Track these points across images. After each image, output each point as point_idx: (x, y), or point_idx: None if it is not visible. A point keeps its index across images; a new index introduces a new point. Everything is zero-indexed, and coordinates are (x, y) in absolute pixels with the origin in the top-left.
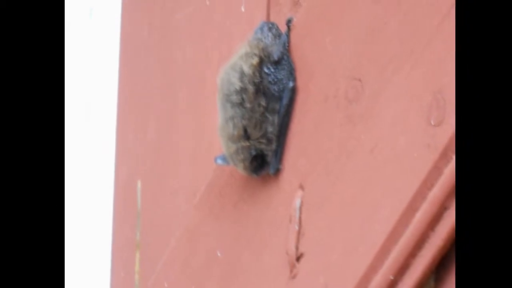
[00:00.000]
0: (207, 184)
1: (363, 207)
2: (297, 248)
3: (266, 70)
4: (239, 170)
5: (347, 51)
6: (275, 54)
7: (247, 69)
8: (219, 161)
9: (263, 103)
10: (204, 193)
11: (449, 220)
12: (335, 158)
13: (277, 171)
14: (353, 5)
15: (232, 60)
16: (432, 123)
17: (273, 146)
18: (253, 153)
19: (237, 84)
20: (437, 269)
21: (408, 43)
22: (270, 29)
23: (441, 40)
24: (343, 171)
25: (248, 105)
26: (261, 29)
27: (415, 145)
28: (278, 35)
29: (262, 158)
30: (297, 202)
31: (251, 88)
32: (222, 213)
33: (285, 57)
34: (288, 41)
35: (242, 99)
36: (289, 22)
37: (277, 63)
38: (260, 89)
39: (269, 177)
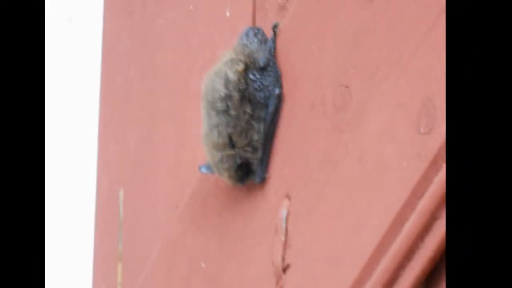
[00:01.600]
0: (191, 194)
1: (350, 217)
2: (283, 259)
3: (251, 76)
4: (224, 179)
5: (334, 57)
6: (261, 60)
7: (232, 76)
8: (204, 170)
9: (248, 110)
10: (187, 203)
11: (439, 230)
12: (322, 167)
13: (263, 180)
14: (340, 11)
15: (217, 66)
16: (422, 131)
17: (259, 154)
18: (238, 161)
19: (222, 91)
20: (427, 280)
21: (396, 50)
22: (255, 34)
23: (430, 46)
24: (330, 180)
25: (233, 112)
26: (247, 34)
27: (404, 154)
28: (264, 40)
29: (247, 166)
30: (283, 212)
31: (236, 95)
32: (205, 223)
33: (271, 63)
34: (274, 47)
35: (227, 106)
36: (275, 27)
37: (263, 69)
38: (246, 96)
39: (254, 186)
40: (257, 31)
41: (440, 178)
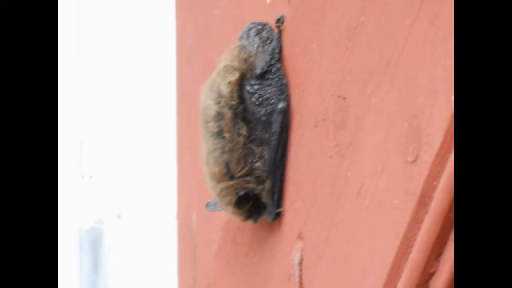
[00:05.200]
0: (223, 229)
1: (352, 265)
2: None
3: (248, 88)
4: (232, 218)
5: (332, 60)
6: (259, 66)
7: (224, 89)
8: (210, 207)
9: (243, 131)
10: (221, 240)
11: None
12: (328, 201)
13: (276, 217)
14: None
15: (212, 76)
16: (409, 159)
17: (266, 185)
18: (241, 192)
19: (213, 108)
20: None
21: (384, 52)
22: (258, 32)
23: (414, 46)
24: (335, 219)
25: (226, 134)
26: (247, 33)
27: (394, 187)
28: (268, 39)
29: (255, 198)
30: (296, 258)
31: (227, 112)
32: (236, 264)
33: (273, 69)
34: (279, 47)
35: (220, 127)
36: (278, 22)
37: (262, 77)
38: (239, 114)
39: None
40: (261, 28)
41: (430, 217)
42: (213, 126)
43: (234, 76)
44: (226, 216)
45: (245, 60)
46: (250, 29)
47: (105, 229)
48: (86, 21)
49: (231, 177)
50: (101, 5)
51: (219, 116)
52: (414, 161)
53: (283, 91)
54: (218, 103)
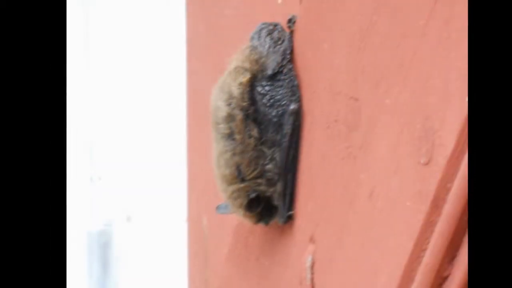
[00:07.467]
0: (234, 231)
1: (365, 268)
2: None
3: (259, 89)
4: (243, 220)
5: (343, 61)
6: (270, 67)
7: (235, 90)
8: (221, 210)
9: (254, 133)
10: (232, 243)
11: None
12: (340, 203)
13: (287, 220)
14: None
15: (223, 76)
16: (422, 161)
17: (278, 187)
18: (252, 195)
19: (224, 110)
20: None
21: (397, 53)
22: (269, 33)
23: (427, 47)
24: (347, 221)
25: (237, 136)
26: (258, 33)
27: (407, 189)
28: (280, 40)
29: (267, 201)
30: (307, 261)
31: (238, 114)
32: (247, 267)
33: (284, 70)
34: (291, 48)
35: (230, 128)
36: (290, 22)
37: (273, 78)
38: (250, 115)
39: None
40: (272, 28)
41: (443, 220)
42: (224, 127)
43: (245, 77)
44: (237, 219)
45: (256, 61)
46: (261, 29)
47: (115, 231)
48: (95, 22)
49: (242, 180)
50: (110, 6)
51: (230, 117)
52: (427, 163)
53: (295, 92)
54: (229, 104)
